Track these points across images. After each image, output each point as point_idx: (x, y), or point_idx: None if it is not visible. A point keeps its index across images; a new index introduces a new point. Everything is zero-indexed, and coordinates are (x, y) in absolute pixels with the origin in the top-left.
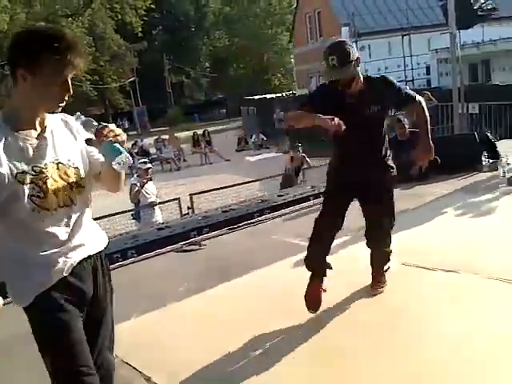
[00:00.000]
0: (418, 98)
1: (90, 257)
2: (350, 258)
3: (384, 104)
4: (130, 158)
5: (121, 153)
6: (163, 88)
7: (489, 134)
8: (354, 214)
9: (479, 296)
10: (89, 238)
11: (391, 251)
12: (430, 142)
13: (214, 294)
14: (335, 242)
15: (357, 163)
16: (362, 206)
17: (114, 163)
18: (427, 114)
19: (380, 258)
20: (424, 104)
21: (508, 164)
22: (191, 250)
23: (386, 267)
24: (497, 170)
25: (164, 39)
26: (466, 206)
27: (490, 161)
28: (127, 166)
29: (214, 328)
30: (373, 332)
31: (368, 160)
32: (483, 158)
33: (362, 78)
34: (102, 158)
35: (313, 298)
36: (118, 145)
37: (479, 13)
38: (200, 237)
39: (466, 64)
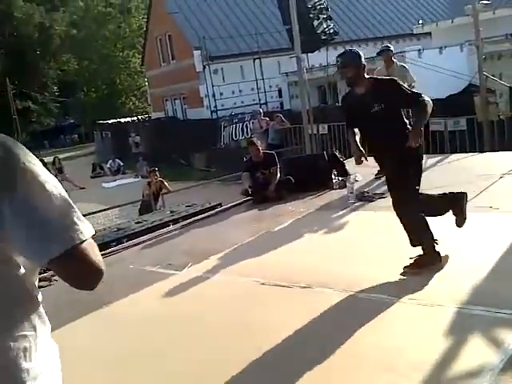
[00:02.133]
0: (425, 99)
1: None
2: None
3: (387, 102)
4: None
5: None
6: (8, 114)
7: (337, 154)
8: None
9: (332, 308)
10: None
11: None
12: (419, 129)
13: (68, 331)
14: None
15: (375, 150)
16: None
17: None
18: (427, 112)
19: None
20: (429, 104)
21: (356, 181)
22: (40, 287)
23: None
24: (346, 187)
25: (7, 63)
26: (320, 223)
27: (340, 179)
28: None
29: (70, 368)
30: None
31: (382, 148)
32: (333, 177)
33: (369, 80)
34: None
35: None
36: None
37: (323, 37)
38: (50, 272)
39: (315, 86)
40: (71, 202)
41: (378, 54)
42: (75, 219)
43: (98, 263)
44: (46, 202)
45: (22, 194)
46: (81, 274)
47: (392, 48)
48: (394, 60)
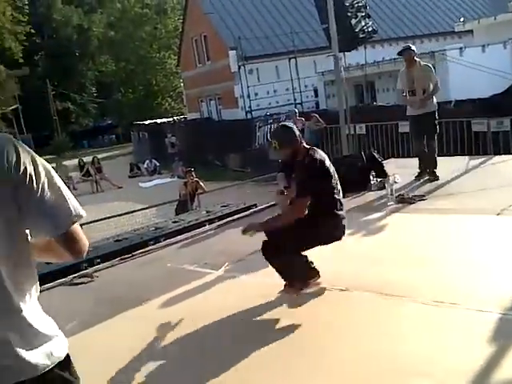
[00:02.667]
0: (301, 203)
1: None
2: None
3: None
4: None
5: None
6: (48, 115)
7: (375, 154)
8: None
9: (373, 312)
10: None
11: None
12: (258, 226)
13: (107, 328)
14: None
15: None
16: None
17: None
18: (287, 220)
19: None
20: (294, 215)
21: (395, 182)
22: (82, 283)
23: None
24: (384, 188)
25: (47, 65)
26: (358, 225)
27: (378, 180)
28: None
29: (109, 365)
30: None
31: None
32: (371, 178)
33: (303, 150)
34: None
35: None
36: None
37: (361, 35)
38: (91, 268)
39: (352, 86)
40: (67, 188)
41: (399, 54)
42: (75, 203)
43: (85, 238)
44: (56, 191)
45: (39, 187)
46: (75, 245)
47: (414, 48)
48: (417, 59)
